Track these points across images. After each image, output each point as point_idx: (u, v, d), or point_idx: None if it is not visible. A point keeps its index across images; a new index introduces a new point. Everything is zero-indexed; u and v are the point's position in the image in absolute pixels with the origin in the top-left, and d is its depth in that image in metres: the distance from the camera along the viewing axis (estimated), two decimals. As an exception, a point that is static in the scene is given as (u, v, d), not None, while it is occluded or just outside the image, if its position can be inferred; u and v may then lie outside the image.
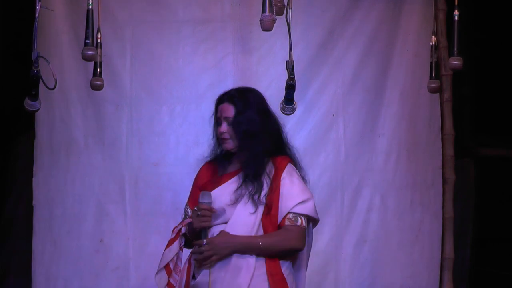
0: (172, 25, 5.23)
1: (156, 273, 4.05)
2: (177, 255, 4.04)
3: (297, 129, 5.16)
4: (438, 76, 4.36)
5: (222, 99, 4.00)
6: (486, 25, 5.77)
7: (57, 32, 5.15)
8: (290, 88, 3.93)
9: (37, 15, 3.70)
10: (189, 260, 4.01)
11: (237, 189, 3.91)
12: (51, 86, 3.83)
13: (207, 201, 3.90)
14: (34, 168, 5.16)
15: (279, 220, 3.93)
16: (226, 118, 3.95)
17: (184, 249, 4.11)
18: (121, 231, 5.17)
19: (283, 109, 4.02)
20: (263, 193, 3.89)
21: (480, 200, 5.77)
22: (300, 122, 5.21)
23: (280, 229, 3.90)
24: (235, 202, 3.90)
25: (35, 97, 3.80)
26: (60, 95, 5.13)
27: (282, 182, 3.92)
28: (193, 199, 4.09)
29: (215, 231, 3.93)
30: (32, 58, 3.68)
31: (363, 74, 5.29)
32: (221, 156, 4.07)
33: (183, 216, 4.19)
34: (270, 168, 3.95)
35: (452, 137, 5.40)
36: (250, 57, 5.23)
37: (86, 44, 3.66)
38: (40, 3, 3.71)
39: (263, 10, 3.54)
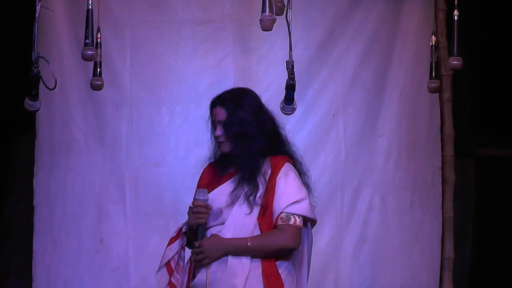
0: (172, 25, 5.23)
1: (157, 271, 4.05)
2: (179, 254, 4.04)
3: (297, 129, 5.17)
4: (438, 76, 4.36)
5: (214, 103, 4.00)
6: (486, 25, 5.77)
7: (57, 32, 5.15)
8: (290, 88, 3.93)
9: (37, 15, 3.70)
10: (190, 260, 4.02)
11: (233, 190, 3.91)
12: (51, 86, 3.83)
13: (202, 198, 3.91)
14: (34, 169, 5.17)
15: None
16: (219, 122, 3.95)
17: (186, 249, 4.12)
18: (121, 231, 5.17)
19: (283, 109, 4.02)
20: (258, 194, 3.89)
21: (480, 200, 5.77)
22: (300, 122, 5.22)
23: (273, 229, 3.90)
24: (231, 203, 3.90)
25: (35, 97, 3.80)
26: (60, 95, 5.14)
27: (277, 183, 3.91)
28: (197, 200, 4.10)
29: (213, 231, 3.93)
30: (32, 58, 3.68)
31: (363, 74, 5.30)
32: (221, 157, 4.07)
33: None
34: (266, 169, 3.94)
35: (452, 137, 5.41)
36: (250, 57, 5.23)
37: (86, 44, 3.66)
38: (40, 3, 3.71)
39: (263, 10, 3.54)
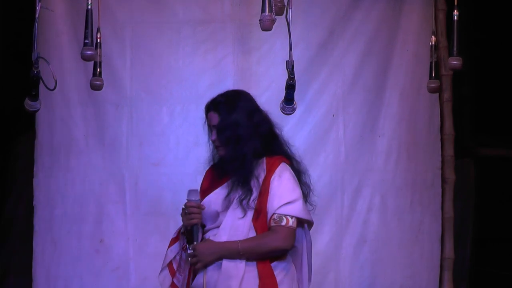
0: (172, 25, 5.23)
1: (160, 272, 4.05)
2: (180, 255, 4.04)
3: (297, 129, 5.17)
4: (438, 76, 4.36)
5: (209, 108, 3.99)
6: (486, 25, 5.77)
7: (57, 32, 5.15)
8: (290, 88, 3.93)
9: (37, 15, 3.70)
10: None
11: (227, 195, 3.91)
12: (51, 87, 3.83)
13: (194, 198, 3.91)
14: (34, 169, 5.17)
15: None
16: (213, 126, 3.95)
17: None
18: (121, 231, 5.17)
19: (283, 109, 4.02)
20: (252, 198, 3.88)
21: (480, 200, 5.77)
22: (300, 122, 5.22)
23: (265, 231, 3.90)
24: (226, 207, 3.91)
25: (35, 97, 3.80)
26: (60, 95, 5.14)
27: (271, 184, 3.90)
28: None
29: (210, 234, 3.94)
30: (32, 59, 3.68)
31: (363, 74, 5.30)
32: (220, 161, 4.06)
33: None
34: (260, 171, 3.93)
35: (452, 137, 5.41)
36: (250, 57, 5.23)
37: (85, 44, 3.65)
38: (40, 3, 3.71)
39: (263, 10, 3.54)
